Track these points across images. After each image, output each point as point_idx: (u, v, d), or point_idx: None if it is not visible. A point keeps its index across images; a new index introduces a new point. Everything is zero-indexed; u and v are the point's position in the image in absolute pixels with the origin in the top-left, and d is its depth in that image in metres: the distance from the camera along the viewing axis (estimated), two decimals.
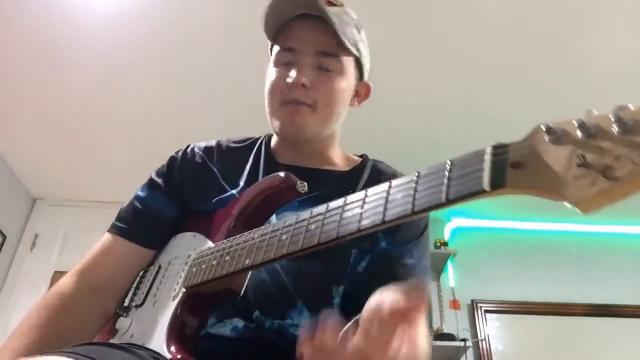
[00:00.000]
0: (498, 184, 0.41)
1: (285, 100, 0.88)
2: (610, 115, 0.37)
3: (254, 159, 0.94)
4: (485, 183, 0.42)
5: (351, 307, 0.78)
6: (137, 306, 0.81)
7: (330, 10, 0.86)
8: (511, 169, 0.41)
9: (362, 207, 0.53)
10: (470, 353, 3.00)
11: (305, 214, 0.62)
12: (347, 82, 0.92)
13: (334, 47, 0.87)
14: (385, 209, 0.50)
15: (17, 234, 3.31)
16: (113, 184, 3.13)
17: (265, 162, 0.93)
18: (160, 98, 2.64)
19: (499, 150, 0.43)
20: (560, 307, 3.30)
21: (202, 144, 0.99)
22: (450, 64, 2.38)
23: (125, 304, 0.83)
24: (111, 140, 2.93)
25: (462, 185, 0.44)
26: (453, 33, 2.24)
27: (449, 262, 3.33)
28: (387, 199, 0.51)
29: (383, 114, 2.50)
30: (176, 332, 0.69)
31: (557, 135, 0.39)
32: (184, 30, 2.26)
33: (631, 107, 0.37)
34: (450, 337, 2.99)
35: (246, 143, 1.00)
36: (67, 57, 2.40)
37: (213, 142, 0.99)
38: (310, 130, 0.89)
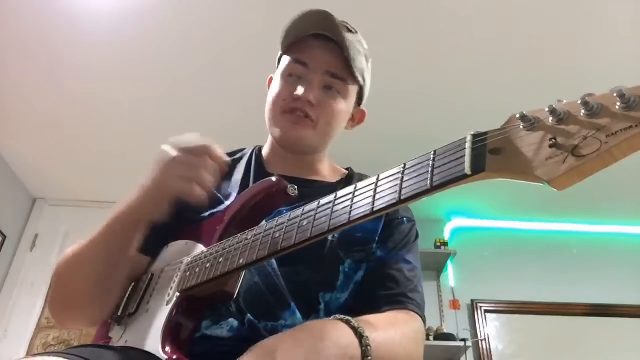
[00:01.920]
0: (478, 168, 0.45)
1: (288, 109, 0.91)
2: (578, 102, 0.40)
3: (245, 170, 0.97)
4: (467, 168, 0.45)
5: (351, 314, 0.80)
6: (130, 315, 0.81)
7: (347, 37, 0.91)
8: (490, 155, 0.45)
9: (352, 200, 0.56)
10: (470, 353, 3.00)
11: (297, 211, 0.64)
12: (347, 106, 0.97)
13: (343, 71, 0.92)
14: (374, 199, 0.53)
15: (17, 234, 3.31)
16: (113, 184, 3.13)
17: (255, 172, 0.96)
18: (160, 98, 2.64)
19: (479, 139, 0.46)
20: (560, 307, 3.30)
21: None
22: (448, 61, 2.38)
23: (119, 314, 0.82)
24: (111, 140, 2.93)
25: (445, 172, 0.47)
26: (452, 31, 2.24)
27: (449, 262, 3.33)
28: (375, 190, 0.54)
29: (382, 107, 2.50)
30: (171, 334, 0.69)
31: (531, 123, 0.43)
32: (185, 30, 2.26)
33: (597, 94, 0.40)
34: (450, 337, 2.99)
35: (236, 156, 1.03)
36: (67, 57, 2.40)
37: None
38: (308, 144, 0.93)
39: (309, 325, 0.60)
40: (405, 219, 0.94)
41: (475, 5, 2.12)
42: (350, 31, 0.94)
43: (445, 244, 3.32)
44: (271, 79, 1.02)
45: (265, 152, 1.02)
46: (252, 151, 1.03)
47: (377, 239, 0.88)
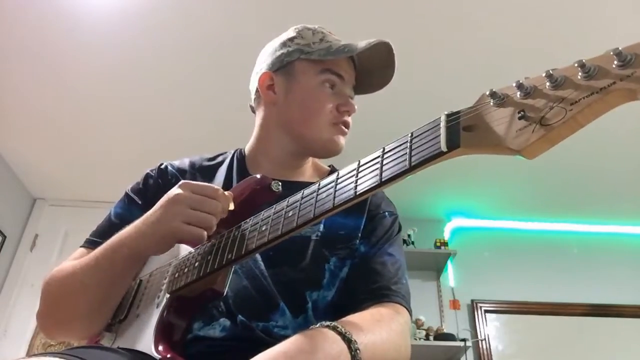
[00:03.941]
0: (454, 145, 0.46)
1: (339, 121, 0.95)
2: (543, 75, 0.43)
3: (226, 173, 0.97)
4: (443, 145, 0.47)
5: (338, 311, 0.80)
6: (120, 321, 0.81)
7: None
8: (464, 132, 0.47)
9: (335, 187, 0.57)
10: (470, 353, 3.00)
11: (282, 203, 0.65)
12: None
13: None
14: (357, 184, 0.55)
15: (17, 234, 3.31)
16: (113, 184, 3.13)
17: (238, 174, 0.96)
18: (160, 98, 2.64)
19: (452, 117, 0.48)
20: (560, 307, 3.30)
21: (176, 163, 1.01)
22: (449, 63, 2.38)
23: (109, 321, 0.82)
24: (111, 140, 2.93)
25: (423, 151, 0.49)
26: (452, 31, 2.24)
27: (449, 262, 3.33)
28: (357, 175, 0.55)
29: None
30: (163, 334, 0.70)
31: (500, 99, 0.45)
32: (184, 30, 2.26)
33: (560, 67, 0.43)
34: (450, 337, 2.99)
35: (217, 160, 1.03)
36: (67, 57, 2.40)
37: (186, 161, 1.02)
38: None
39: (299, 338, 0.60)
40: (387, 213, 0.95)
41: (475, 7, 2.12)
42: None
43: (445, 244, 3.32)
44: (268, 75, 0.97)
45: (248, 154, 1.02)
46: (233, 154, 1.03)
47: (359, 235, 0.89)
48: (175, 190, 0.73)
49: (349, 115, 0.96)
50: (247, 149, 1.03)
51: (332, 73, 0.95)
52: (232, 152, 1.05)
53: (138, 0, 2.13)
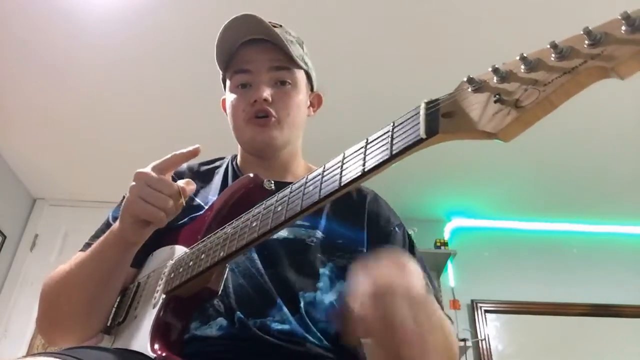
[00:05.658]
0: (432, 132, 0.47)
1: (250, 116, 0.94)
2: (518, 59, 0.44)
3: (223, 177, 0.99)
4: (422, 132, 0.47)
5: (341, 316, 0.79)
6: (119, 323, 0.81)
7: (274, 31, 0.95)
8: (443, 118, 0.47)
9: (321, 180, 0.58)
10: (470, 353, 3.00)
11: (271, 199, 0.66)
12: (302, 94, 1.00)
13: (284, 61, 0.96)
14: (341, 175, 0.55)
15: (17, 234, 3.31)
16: (113, 184, 3.13)
17: (233, 178, 0.98)
18: (161, 98, 2.64)
19: (431, 104, 0.49)
20: (560, 307, 3.30)
21: None
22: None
23: (108, 324, 0.83)
24: (111, 140, 2.93)
25: (404, 139, 0.50)
26: (457, 32, 2.24)
27: (449, 262, 3.33)
28: (342, 167, 0.56)
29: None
30: (159, 333, 0.70)
31: (477, 84, 0.46)
32: (185, 29, 2.26)
33: (534, 51, 0.44)
34: None
35: (215, 164, 1.06)
36: (67, 57, 2.41)
37: (184, 165, 1.03)
38: (279, 141, 0.95)
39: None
40: (396, 227, 0.95)
41: (481, 6, 2.12)
42: (274, 27, 0.97)
43: (445, 244, 3.32)
44: (224, 100, 1.05)
45: (239, 160, 1.05)
46: (230, 160, 1.05)
47: (365, 250, 0.88)
48: (135, 174, 0.76)
49: (260, 103, 0.92)
50: (237, 157, 1.06)
51: (237, 72, 0.97)
52: (229, 157, 1.07)
53: (138, 0, 2.14)
